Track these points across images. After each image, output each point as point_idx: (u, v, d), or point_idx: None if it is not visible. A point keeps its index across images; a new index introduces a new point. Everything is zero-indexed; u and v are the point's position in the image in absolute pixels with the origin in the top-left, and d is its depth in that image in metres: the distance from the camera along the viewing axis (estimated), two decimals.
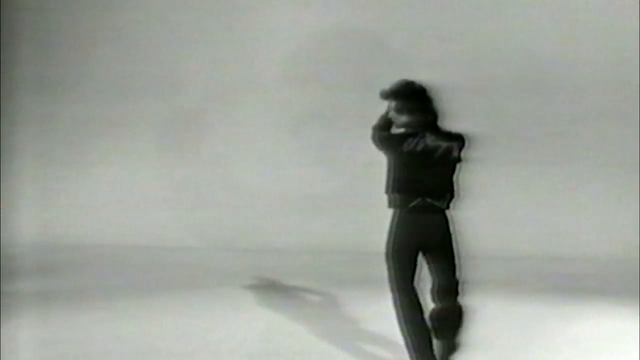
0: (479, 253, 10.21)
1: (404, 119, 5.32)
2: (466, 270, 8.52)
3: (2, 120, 11.38)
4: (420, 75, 10.63)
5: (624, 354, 6.26)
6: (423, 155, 5.23)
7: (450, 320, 5.35)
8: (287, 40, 11.04)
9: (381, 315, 6.41)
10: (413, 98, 5.31)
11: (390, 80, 5.54)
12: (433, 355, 5.30)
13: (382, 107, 5.53)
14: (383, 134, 5.42)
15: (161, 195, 11.22)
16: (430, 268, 5.39)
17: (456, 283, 5.36)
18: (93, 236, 10.93)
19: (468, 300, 5.45)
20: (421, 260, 5.36)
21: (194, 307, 7.63)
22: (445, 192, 5.29)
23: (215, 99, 11.20)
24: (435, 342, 5.35)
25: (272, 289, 8.47)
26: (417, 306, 5.30)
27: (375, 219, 6.81)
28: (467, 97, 10.32)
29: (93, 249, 10.53)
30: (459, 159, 5.31)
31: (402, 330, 5.34)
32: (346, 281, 8.75)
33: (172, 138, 11.31)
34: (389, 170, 5.32)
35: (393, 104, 5.37)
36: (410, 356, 5.34)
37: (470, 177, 5.47)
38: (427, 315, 5.34)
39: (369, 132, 5.54)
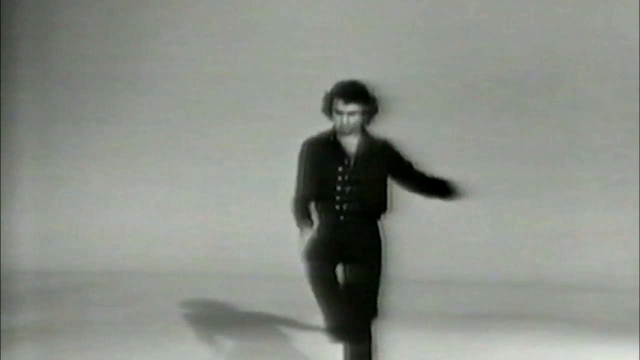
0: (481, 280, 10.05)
1: None
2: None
3: (3, 123, 11.29)
4: (424, 70, 10.64)
5: None
6: None
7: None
8: (294, 37, 10.99)
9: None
10: None
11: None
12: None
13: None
14: None
15: (164, 219, 11.03)
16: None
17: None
18: (92, 262, 10.66)
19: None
20: None
21: (198, 336, 7.40)
22: None
23: (217, 99, 11.13)
24: None
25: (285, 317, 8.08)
26: None
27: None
28: (463, 94, 10.59)
29: (93, 275, 10.22)
30: None
31: None
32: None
33: (174, 158, 11.16)
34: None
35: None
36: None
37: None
38: None
39: None
